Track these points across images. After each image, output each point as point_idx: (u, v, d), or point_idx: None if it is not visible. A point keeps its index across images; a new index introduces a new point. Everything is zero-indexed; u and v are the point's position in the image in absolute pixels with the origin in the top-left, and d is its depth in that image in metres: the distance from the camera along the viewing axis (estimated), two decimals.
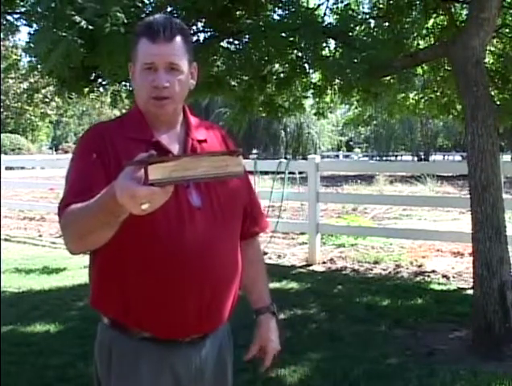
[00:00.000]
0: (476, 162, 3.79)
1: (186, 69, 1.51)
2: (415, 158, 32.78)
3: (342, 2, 5.17)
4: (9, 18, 4.25)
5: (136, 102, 1.58)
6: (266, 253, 7.10)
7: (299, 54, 4.51)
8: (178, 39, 1.48)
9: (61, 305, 4.93)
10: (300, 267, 6.52)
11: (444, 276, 5.89)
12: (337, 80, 4.72)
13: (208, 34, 4.60)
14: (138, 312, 1.47)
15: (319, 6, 5.18)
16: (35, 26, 3.95)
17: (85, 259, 1.62)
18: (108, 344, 1.51)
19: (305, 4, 5.02)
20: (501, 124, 5.42)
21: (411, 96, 6.21)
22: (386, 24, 4.89)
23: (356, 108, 7.20)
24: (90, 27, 3.34)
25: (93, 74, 4.37)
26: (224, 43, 4.67)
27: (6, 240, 8.16)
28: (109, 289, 1.49)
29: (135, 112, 1.57)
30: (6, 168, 13.46)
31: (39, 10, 3.76)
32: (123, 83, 4.53)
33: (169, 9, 4.12)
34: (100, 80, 4.56)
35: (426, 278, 5.85)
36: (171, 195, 1.21)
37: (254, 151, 28.25)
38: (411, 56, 4.48)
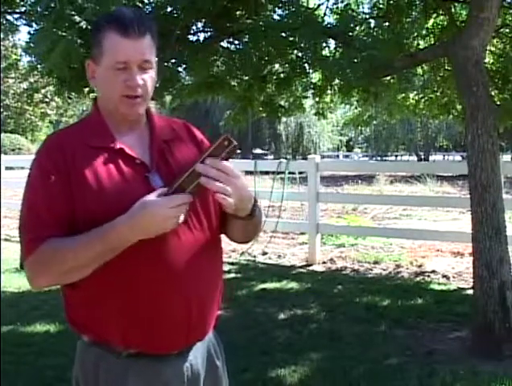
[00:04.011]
0: (476, 162, 3.79)
1: (155, 65, 1.44)
2: (415, 158, 32.78)
3: (342, 1, 5.18)
4: (9, 17, 4.26)
5: (96, 104, 1.49)
6: (266, 253, 7.11)
7: (299, 54, 4.51)
8: (149, 33, 1.40)
9: (61, 305, 4.91)
10: (300, 267, 6.52)
11: (444, 276, 5.89)
12: (337, 80, 4.72)
13: (208, 34, 4.60)
14: (123, 330, 1.39)
15: (319, 6, 5.18)
16: (34, 25, 3.96)
17: None
18: (94, 362, 1.43)
19: (305, 4, 5.02)
20: (501, 124, 5.41)
21: (411, 96, 6.21)
22: (386, 24, 4.89)
23: (356, 108, 7.19)
24: (90, 27, 3.34)
25: None
26: (224, 43, 4.67)
27: (6, 240, 8.17)
28: (89, 307, 1.41)
29: (95, 115, 1.48)
30: (6, 168, 13.42)
31: (38, 9, 3.76)
32: None
33: (169, 9, 4.12)
34: None
35: (426, 278, 5.85)
36: None
37: (260, 151, 28.33)
38: (411, 56, 4.48)
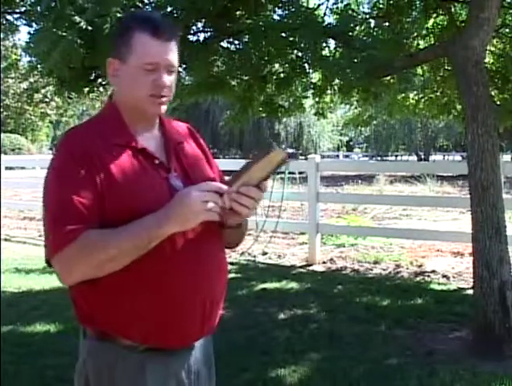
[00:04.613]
0: (476, 162, 3.79)
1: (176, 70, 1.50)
2: (415, 158, 32.77)
3: (342, 2, 5.17)
4: (9, 17, 4.26)
5: (112, 101, 1.51)
6: (266, 253, 7.11)
7: (299, 54, 4.50)
8: (175, 38, 1.46)
9: (61, 305, 4.92)
10: (300, 267, 6.52)
11: (444, 276, 5.89)
12: (337, 80, 4.72)
13: (208, 34, 4.59)
14: (144, 325, 1.41)
15: (319, 6, 5.18)
16: (34, 25, 3.96)
17: None
18: (108, 358, 1.43)
19: (305, 4, 5.02)
20: (501, 124, 5.41)
21: (411, 96, 6.21)
22: (386, 24, 4.89)
23: (356, 108, 7.19)
24: (90, 28, 3.34)
25: (93, 74, 4.37)
26: (224, 43, 4.67)
27: (6, 240, 8.15)
28: (110, 303, 1.41)
29: (113, 112, 1.49)
30: (6, 168, 13.44)
31: (38, 9, 3.76)
32: None
33: (169, 9, 4.12)
34: (100, 80, 4.55)
35: (426, 278, 5.85)
36: None
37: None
38: (411, 56, 4.48)
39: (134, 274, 1.38)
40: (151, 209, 1.35)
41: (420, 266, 6.36)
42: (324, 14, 5.14)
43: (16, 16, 4.30)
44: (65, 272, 1.39)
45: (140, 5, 3.81)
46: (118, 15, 3.34)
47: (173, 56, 1.44)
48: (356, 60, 4.14)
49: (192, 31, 4.45)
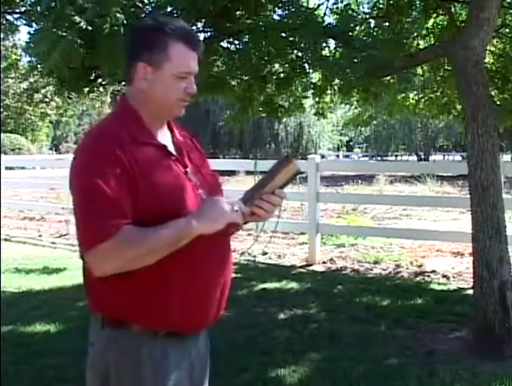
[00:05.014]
0: (476, 162, 3.79)
1: None
2: (415, 158, 32.78)
3: (342, 2, 5.17)
4: (9, 17, 4.26)
5: (128, 101, 1.57)
6: (266, 253, 7.11)
7: (299, 54, 4.50)
8: (202, 47, 1.59)
9: (61, 305, 4.93)
10: (300, 267, 6.52)
11: (444, 276, 5.89)
12: (337, 80, 4.72)
13: (208, 34, 4.60)
14: (172, 316, 1.51)
15: (319, 6, 5.18)
16: (34, 25, 3.96)
17: None
18: (132, 347, 1.50)
19: (305, 4, 5.01)
20: (501, 124, 5.41)
21: (411, 96, 6.21)
22: (386, 24, 4.89)
23: (356, 108, 7.19)
24: (90, 28, 3.34)
25: (93, 74, 4.37)
26: (224, 43, 4.67)
27: (6, 240, 8.15)
28: (139, 296, 1.49)
29: (131, 112, 1.56)
30: (6, 168, 13.44)
31: (38, 9, 3.76)
32: (123, 83, 4.53)
33: (169, 9, 4.12)
34: (100, 80, 4.56)
35: (426, 278, 5.85)
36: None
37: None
38: (411, 56, 4.48)
39: (167, 269, 1.48)
40: (180, 202, 1.48)
41: (420, 266, 6.36)
42: (324, 14, 5.13)
43: (16, 16, 4.30)
44: (101, 264, 1.45)
45: (140, 5, 3.81)
46: (118, 15, 3.34)
47: (198, 65, 1.56)
48: (356, 60, 4.14)
49: None
